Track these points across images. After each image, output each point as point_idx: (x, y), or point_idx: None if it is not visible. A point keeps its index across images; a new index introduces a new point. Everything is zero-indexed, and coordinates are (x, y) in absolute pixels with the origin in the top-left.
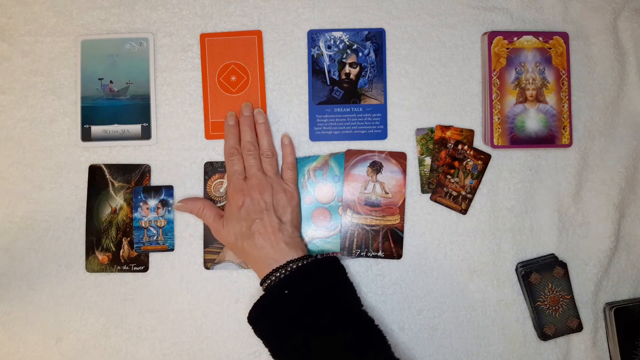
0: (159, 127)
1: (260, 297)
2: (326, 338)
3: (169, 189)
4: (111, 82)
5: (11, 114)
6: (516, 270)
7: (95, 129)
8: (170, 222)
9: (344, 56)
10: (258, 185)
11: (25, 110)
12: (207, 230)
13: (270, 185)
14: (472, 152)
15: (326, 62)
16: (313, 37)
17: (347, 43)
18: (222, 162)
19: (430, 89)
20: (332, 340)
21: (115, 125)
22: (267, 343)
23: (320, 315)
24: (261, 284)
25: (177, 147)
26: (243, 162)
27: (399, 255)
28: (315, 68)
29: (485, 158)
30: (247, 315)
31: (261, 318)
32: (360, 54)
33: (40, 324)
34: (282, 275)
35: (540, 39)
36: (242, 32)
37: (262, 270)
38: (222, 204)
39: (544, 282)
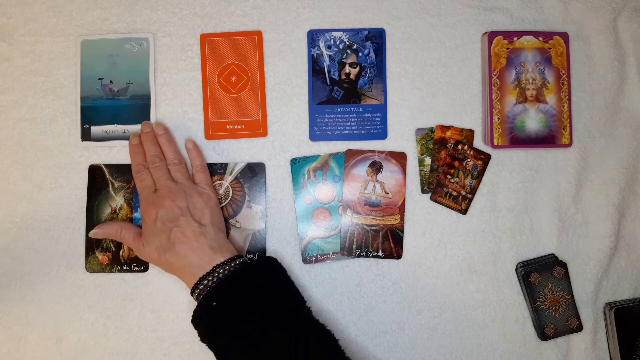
0: None
1: (194, 309)
2: (264, 347)
3: None
4: (111, 82)
5: (11, 114)
6: (516, 270)
7: (95, 129)
8: None
9: (344, 56)
10: (169, 193)
11: (25, 110)
12: None
13: (183, 191)
14: (472, 152)
15: (326, 62)
16: (313, 37)
17: (347, 43)
18: (221, 164)
19: (430, 89)
20: (271, 348)
21: (115, 125)
22: (211, 348)
23: (254, 323)
24: (192, 294)
25: None
26: (152, 176)
27: (399, 255)
28: (315, 68)
29: (485, 158)
30: None
31: (200, 328)
32: (360, 54)
33: (40, 324)
34: (211, 283)
35: (540, 39)
36: (242, 32)
37: (189, 281)
38: (223, 205)
39: (544, 282)
